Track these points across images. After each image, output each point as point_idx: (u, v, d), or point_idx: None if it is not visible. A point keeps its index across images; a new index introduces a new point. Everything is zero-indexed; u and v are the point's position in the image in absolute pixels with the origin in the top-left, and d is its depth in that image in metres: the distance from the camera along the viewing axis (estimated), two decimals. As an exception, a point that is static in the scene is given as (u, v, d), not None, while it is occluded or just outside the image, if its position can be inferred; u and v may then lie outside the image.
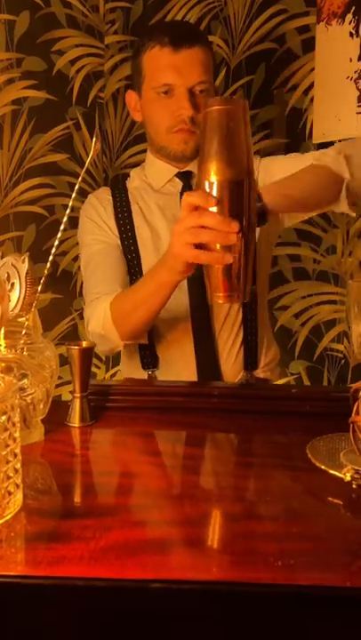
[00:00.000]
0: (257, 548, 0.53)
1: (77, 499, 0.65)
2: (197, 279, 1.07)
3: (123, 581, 0.48)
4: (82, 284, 1.69)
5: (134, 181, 1.21)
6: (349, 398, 0.68)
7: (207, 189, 0.71)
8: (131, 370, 1.22)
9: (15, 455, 0.58)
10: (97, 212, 1.18)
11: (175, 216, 1.13)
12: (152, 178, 1.19)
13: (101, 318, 1.04)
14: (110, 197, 1.18)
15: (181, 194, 1.16)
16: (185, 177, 1.17)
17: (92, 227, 1.17)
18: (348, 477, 0.64)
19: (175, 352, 1.14)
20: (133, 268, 1.15)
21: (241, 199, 0.70)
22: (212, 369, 1.15)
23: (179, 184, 1.17)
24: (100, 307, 1.05)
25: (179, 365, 1.14)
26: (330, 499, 0.64)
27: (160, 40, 1.06)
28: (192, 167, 1.16)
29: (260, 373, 1.19)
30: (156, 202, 1.17)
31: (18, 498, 0.59)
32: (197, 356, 1.13)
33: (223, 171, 0.69)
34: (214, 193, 0.70)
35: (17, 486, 0.59)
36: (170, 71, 1.05)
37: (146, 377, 1.16)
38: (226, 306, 1.15)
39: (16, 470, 0.59)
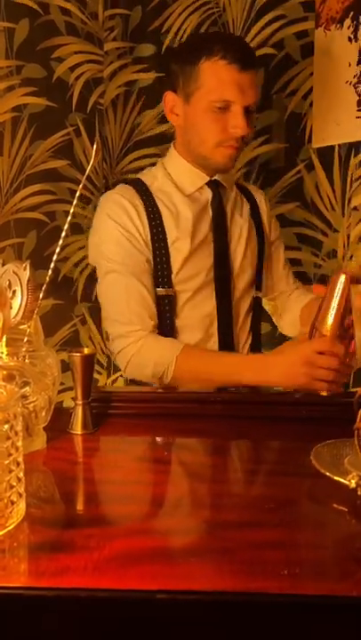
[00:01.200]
0: (263, 556, 0.52)
1: (80, 507, 0.64)
2: (224, 288, 1.16)
3: (127, 592, 0.48)
4: (83, 289, 1.71)
5: (156, 181, 1.17)
6: (353, 404, 0.68)
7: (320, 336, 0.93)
8: (143, 370, 1.21)
9: (18, 464, 0.58)
10: (129, 215, 1.11)
11: (208, 227, 1.16)
12: (183, 182, 1.17)
13: (161, 371, 1.04)
14: (140, 200, 1.13)
15: (212, 203, 1.18)
16: (214, 185, 1.19)
17: (121, 235, 1.11)
18: (352, 484, 0.63)
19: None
20: (163, 278, 1.13)
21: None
22: None
23: (208, 192, 1.18)
24: (162, 359, 1.04)
25: None
26: (335, 505, 0.63)
27: (226, 55, 1.04)
28: (219, 177, 1.18)
29: None
30: (188, 207, 1.15)
31: (21, 507, 0.59)
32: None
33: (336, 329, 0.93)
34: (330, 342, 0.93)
35: (20, 495, 0.59)
36: (234, 88, 1.04)
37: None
38: (243, 312, 1.23)
39: (19, 479, 0.58)
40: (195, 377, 1.03)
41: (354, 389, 1.49)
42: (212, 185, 1.19)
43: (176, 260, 1.13)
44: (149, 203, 1.14)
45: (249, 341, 1.23)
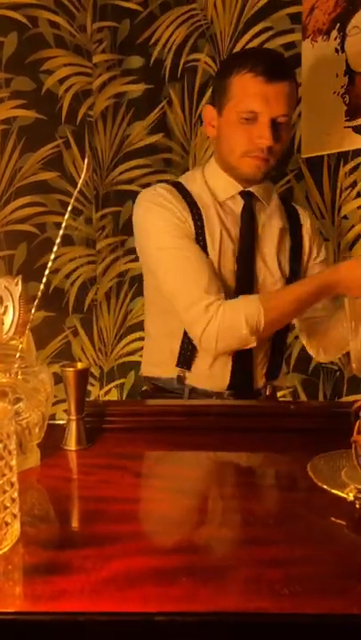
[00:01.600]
0: (262, 575, 0.52)
1: (76, 526, 0.63)
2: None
3: (126, 615, 0.47)
4: (74, 301, 1.70)
5: (195, 185, 1.19)
6: (351, 415, 0.68)
7: None
8: (159, 366, 1.25)
9: (12, 484, 0.57)
10: (175, 204, 1.14)
11: (235, 234, 1.17)
12: (217, 189, 1.19)
13: (254, 323, 1.07)
14: (178, 194, 1.16)
15: (242, 214, 1.18)
16: (248, 196, 1.19)
17: (170, 221, 1.13)
18: (350, 497, 0.63)
19: (214, 361, 1.17)
20: None
21: None
22: (246, 377, 1.20)
23: (240, 202, 1.19)
24: (250, 310, 1.07)
25: (213, 370, 1.18)
26: (333, 519, 0.63)
27: (254, 68, 1.07)
28: (254, 189, 1.18)
29: (274, 382, 1.26)
30: (217, 213, 1.17)
31: (15, 528, 0.58)
32: (234, 365, 1.18)
33: None
34: None
35: (14, 516, 0.57)
36: (259, 100, 1.07)
37: (176, 375, 1.21)
38: None
39: (13, 500, 0.57)
40: (282, 312, 1.10)
41: (351, 399, 1.49)
42: (246, 196, 1.19)
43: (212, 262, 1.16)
44: (191, 201, 1.16)
45: (267, 356, 1.22)
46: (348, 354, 1.53)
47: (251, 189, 1.18)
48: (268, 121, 1.07)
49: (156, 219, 1.14)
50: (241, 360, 1.17)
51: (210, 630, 0.47)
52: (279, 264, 1.19)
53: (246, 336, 1.08)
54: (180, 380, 1.21)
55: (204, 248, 1.13)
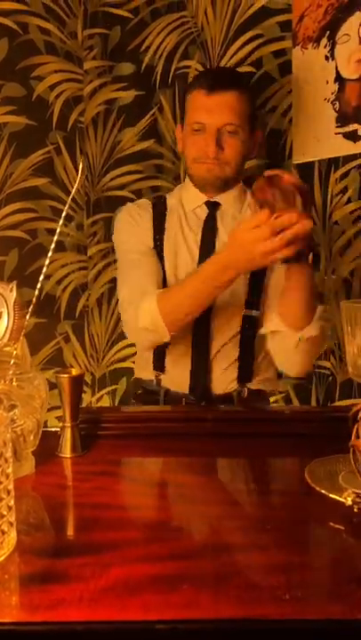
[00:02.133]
0: (263, 580, 0.51)
1: (73, 534, 0.63)
2: None
3: (126, 623, 0.46)
4: (66, 307, 1.69)
5: (173, 198, 1.30)
6: (348, 420, 0.68)
7: None
8: (144, 369, 1.34)
9: (8, 492, 0.56)
10: (138, 214, 1.28)
11: (194, 242, 1.24)
12: (185, 200, 1.28)
13: (148, 317, 1.12)
14: (151, 209, 1.28)
15: (205, 222, 1.25)
16: (212, 206, 1.25)
17: (130, 231, 1.27)
18: (348, 501, 0.63)
19: (177, 361, 1.25)
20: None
21: None
22: (204, 379, 1.23)
23: (205, 211, 1.25)
24: (146, 306, 1.13)
25: (178, 372, 1.24)
26: (331, 524, 0.63)
27: (200, 84, 1.19)
28: (219, 199, 1.25)
29: (253, 386, 1.25)
30: (181, 223, 1.26)
31: (12, 537, 0.57)
32: (192, 366, 1.23)
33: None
34: None
35: (10, 524, 0.57)
36: (203, 111, 1.17)
37: (154, 377, 1.28)
38: (226, 328, 1.22)
39: (9, 508, 0.56)
40: (180, 301, 1.10)
41: (348, 404, 1.49)
42: (211, 206, 1.25)
43: (167, 268, 1.23)
44: (160, 213, 1.27)
45: (234, 360, 1.23)
46: (341, 358, 1.53)
47: (217, 199, 1.25)
48: (213, 130, 1.15)
49: (120, 229, 1.29)
50: (197, 362, 1.22)
51: (212, 637, 0.47)
52: None
53: (146, 330, 1.13)
54: (158, 382, 1.28)
55: (160, 255, 1.23)
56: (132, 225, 1.27)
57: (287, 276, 1.07)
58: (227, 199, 1.25)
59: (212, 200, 1.25)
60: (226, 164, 1.18)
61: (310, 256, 1.03)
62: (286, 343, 1.11)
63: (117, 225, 1.31)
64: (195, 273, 1.10)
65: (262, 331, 1.17)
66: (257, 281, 1.22)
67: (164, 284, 1.23)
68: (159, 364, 1.27)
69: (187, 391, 1.23)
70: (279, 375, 1.36)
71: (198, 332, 1.22)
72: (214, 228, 1.24)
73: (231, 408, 1.13)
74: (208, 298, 1.09)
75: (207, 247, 1.22)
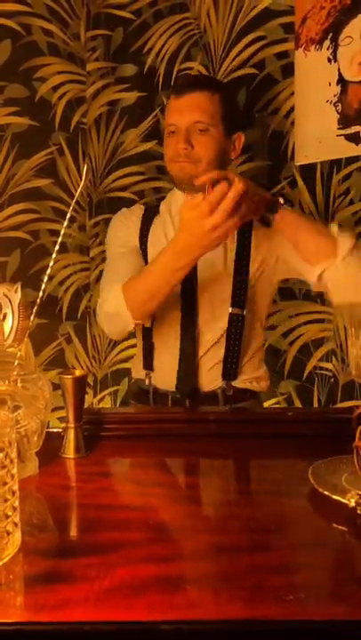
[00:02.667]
0: (266, 581, 0.52)
1: (78, 535, 0.63)
2: (188, 302, 1.23)
3: (131, 624, 0.47)
4: (68, 308, 1.70)
5: (164, 204, 1.35)
6: (352, 421, 0.68)
7: None
8: (137, 369, 1.37)
9: (13, 493, 0.56)
10: (127, 217, 1.35)
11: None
12: (173, 203, 1.32)
13: (113, 301, 1.16)
14: (142, 213, 1.34)
15: None
16: None
17: (119, 231, 1.34)
18: (352, 503, 0.63)
19: (165, 359, 1.27)
20: None
21: None
22: (190, 377, 1.25)
23: None
24: (112, 292, 1.17)
25: (167, 370, 1.26)
26: (335, 525, 0.63)
27: (173, 90, 1.27)
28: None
29: (239, 384, 1.26)
30: (169, 223, 1.29)
31: (16, 537, 0.57)
32: (179, 364, 1.25)
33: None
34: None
35: (15, 525, 0.57)
36: (173, 113, 1.22)
37: (144, 376, 1.32)
38: (212, 327, 1.24)
39: (14, 508, 0.57)
40: (144, 287, 1.12)
41: (352, 404, 1.50)
42: None
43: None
44: (147, 216, 1.32)
45: (220, 353, 1.24)
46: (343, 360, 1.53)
47: None
48: (183, 129, 1.20)
49: (110, 230, 1.36)
50: (184, 361, 1.24)
51: (215, 638, 0.47)
52: (235, 258, 1.24)
53: (112, 316, 1.18)
54: (149, 380, 1.30)
55: (145, 254, 1.28)
56: (121, 226, 1.34)
57: (283, 231, 1.11)
58: None
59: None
60: (198, 162, 1.20)
61: (280, 202, 1.06)
62: (334, 274, 1.09)
63: (109, 227, 1.37)
64: (154, 261, 1.12)
65: (312, 280, 1.14)
66: (242, 280, 1.23)
67: None
68: (148, 363, 1.31)
69: (173, 389, 1.25)
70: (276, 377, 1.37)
71: (185, 331, 1.24)
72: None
73: (227, 409, 1.13)
74: (168, 285, 1.09)
75: None
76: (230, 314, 1.23)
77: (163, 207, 1.33)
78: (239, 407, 1.22)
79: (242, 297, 1.23)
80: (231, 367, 1.24)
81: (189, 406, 1.23)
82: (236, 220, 0.96)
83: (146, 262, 1.27)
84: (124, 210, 1.38)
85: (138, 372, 1.36)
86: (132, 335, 1.73)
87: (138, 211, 1.35)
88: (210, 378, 1.25)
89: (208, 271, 1.23)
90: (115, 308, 1.16)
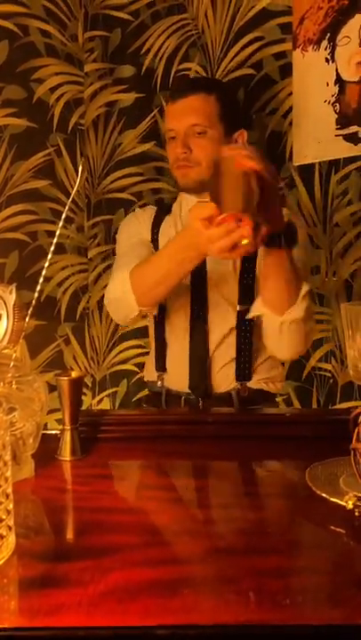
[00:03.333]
0: (263, 585, 0.51)
1: (72, 538, 0.62)
2: (198, 300, 1.23)
3: (126, 629, 0.46)
4: (66, 309, 1.69)
5: (176, 203, 1.35)
6: (349, 422, 0.67)
7: None
8: (149, 371, 1.37)
9: (7, 496, 0.56)
10: (139, 218, 1.35)
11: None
12: (183, 202, 1.32)
13: (120, 285, 1.15)
14: (153, 215, 1.34)
15: None
16: None
17: (131, 228, 1.33)
18: (350, 505, 0.63)
19: (177, 360, 1.27)
20: None
21: None
22: (203, 377, 1.24)
23: None
24: (119, 275, 1.16)
25: (177, 371, 1.26)
26: (332, 528, 0.62)
27: (169, 96, 1.28)
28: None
29: (253, 385, 1.25)
30: (179, 222, 1.30)
31: (10, 541, 0.57)
32: (191, 364, 1.24)
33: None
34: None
35: (9, 529, 0.56)
36: (171, 118, 1.24)
37: (157, 378, 1.31)
38: (221, 324, 1.23)
39: (8, 512, 0.56)
40: (151, 275, 1.10)
41: (351, 405, 1.49)
42: None
43: None
44: (159, 215, 1.32)
45: (232, 353, 1.23)
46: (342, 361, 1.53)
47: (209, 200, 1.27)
48: (181, 134, 1.21)
49: (122, 227, 1.36)
50: (196, 360, 1.24)
51: (211, 643, 0.46)
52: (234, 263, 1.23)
53: (117, 301, 1.17)
54: (161, 382, 1.30)
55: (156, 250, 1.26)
56: (133, 222, 1.34)
57: (265, 261, 1.05)
58: None
59: (205, 202, 1.26)
60: (197, 165, 1.20)
61: (282, 240, 0.96)
62: (271, 327, 1.09)
63: (121, 225, 1.37)
64: (162, 249, 1.11)
65: (248, 315, 1.15)
66: (248, 275, 1.22)
67: None
68: (160, 365, 1.30)
69: (186, 390, 1.24)
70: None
71: (195, 329, 1.23)
72: None
73: (230, 410, 1.13)
74: (175, 275, 1.07)
75: None
76: (238, 311, 1.22)
77: (175, 207, 1.33)
78: (241, 409, 1.22)
79: (250, 294, 1.21)
80: (245, 367, 1.23)
81: (202, 408, 1.22)
82: (243, 249, 0.88)
83: None
84: (137, 209, 1.40)
85: (150, 374, 1.35)
86: (130, 336, 1.73)
87: (150, 210, 1.35)
88: (223, 378, 1.24)
89: (216, 268, 1.22)
90: (121, 292, 1.15)
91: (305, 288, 1.04)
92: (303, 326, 1.07)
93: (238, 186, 0.81)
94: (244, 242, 0.85)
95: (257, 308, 1.10)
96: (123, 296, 1.15)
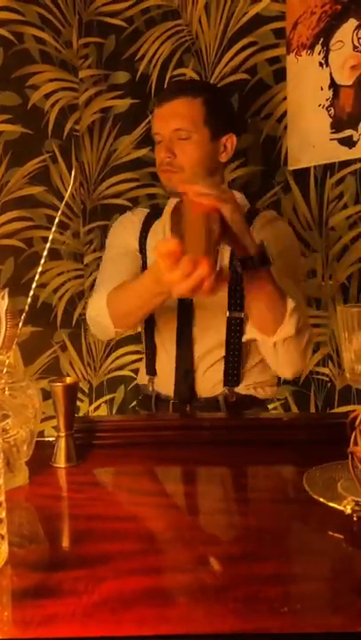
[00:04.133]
0: (260, 592, 0.50)
1: (67, 546, 0.61)
2: (184, 306, 1.23)
3: (120, 639, 0.45)
4: (62, 315, 1.69)
5: (167, 207, 1.34)
6: (347, 426, 0.67)
7: None
8: (141, 374, 1.38)
9: (0, 504, 0.55)
10: (128, 220, 1.34)
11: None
12: (169, 207, 1.31)
13: (97, 308, 1.17)
14: (143, 218, 1.33)
15: None
16: None
17: (118, 233, 1.34)
18: (348, 510, 0.62)
19: (165, 365, 1.28)
20: None
21: None
22: (189, 381, 1.24)
23: None
24: (97, 297, 1.18)
25: (165, 376, 1.28)
26: (331, 533, 0.61)
27: (156, 101, 1.27)
28: None
29: (242, 390, 1.24)
30: (168, 227, 1.27)
31: (3, 550, 0.56)
32: (176, 368, 1.25)
33: None
34: None
35: (2, 537, 0.55)
36: (157, 121, 1.23)
37: (147, 382, 1.33)
38: (209, 330, 1.22)
39: (1, 520, 0.55)
40: (125, 301, 1.12)
41: (349, 409, 1.48)
42: None
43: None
44: (148, 219, 1.31)
45: (218, 362, 1.23)
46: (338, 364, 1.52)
47: None
48: (167, 138, 1.20)
49: (111, 232, 1.36)
50: (180, 364, 1.24)
51: (208, 653, 0.45)
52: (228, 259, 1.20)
53: (93, 321, 1.20)
54: (152, 385, 1.31)
55: (144, 257, 1.27)
56: (121, 228, 1.33)
57: (246, 287, 1.02)
58: None
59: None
60: (180, 171, 1.19)
61: (254, 261, 0.92)
62: (265, 348, 1.09)
63: (111, 229, 1.37)
64: (136, 280, 1.11)
65: (243, 339, 1.17)
66: (237, 281, 1.20)
67: None
68: (150, 369, 1.31)
69: (172, 394, 1.25)
70: (280, 381, 1.35)
71: (182, 335, 1.23)
72: None
73: (222, 415, 1.12)
74: (148, 304, 1.08)
75: None
76: (228, 318, 1.21)
77: (165, 210, 1.33)
78: (238, 414, 1.21)
79: (238, 300, 1.21)
80: (233, 372, 1.22)
81: (189, 412, 1.22)
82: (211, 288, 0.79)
83: (144, 265, 1.26)
84: (128, 212, 1.38)
85: (142, 377, 1.37)
86: (127, 342, 1.73)
87: (140, 214, 1.34)
88: (209, 383, 1.23)
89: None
90: (97, 316, 1.18)
91: (290, 305, 1.02)
92: (297, 341, 1.06)
93: (198, 229, 0.79)
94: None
95: (249, 332, 1.10)
96: (99, 319, 1.17)
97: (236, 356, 1.22)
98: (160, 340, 1.28)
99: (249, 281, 0.99)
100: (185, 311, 1.23)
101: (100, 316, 1.16)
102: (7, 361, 0.71)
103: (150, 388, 1.31)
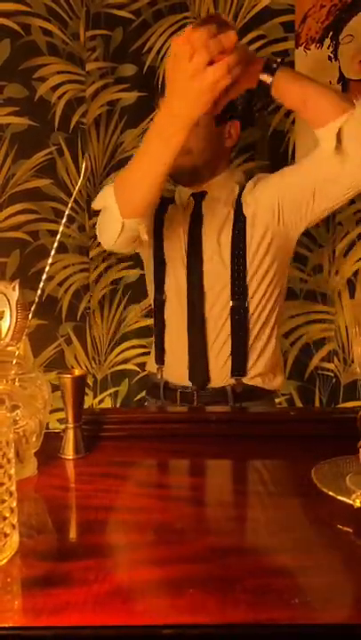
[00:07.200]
0: (271, 584, 0.50)
1: (77, 537, 0.62)
2: (194, 294, 1.23)
3: (132, 628, 0.45)
4: (67, 308, 1.69)
5: (176, 193, 1.35)
6: (358, 420, 0.67)
7: None
8: (151, 362, 1.38)
9: (11, 494, 0.55)
10: None
11: (183, 232, 1.27)
12: (179, 196, 1.33)
13: (103, 197, 1.15)
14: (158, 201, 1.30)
15: (192, 215, 1.27)
16: (199, 197, 1.28)
17: None
18: (357, 503, 0.62)
19: (176, 352, 1.28)
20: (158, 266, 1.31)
21: None
22: (202, 369, 1.24)
23: (192, 203, 1.29)
24: (106, 188, 1.16)
25: (175, 364, 1.28)
26: (340, 527, 0.61)
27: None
28: (206, 187, 1.28)
29: (248, 380, 1.24)
30: (175, 216, 1.30)
31: (14, 539, 0.56)
32: (190, 356, 1.25)
33: None
34: None
35: (13, 527, 0.56)
36: None
37: (156, 370, 1.33)
38: (218, 318, 1.23)
39: (12, 510, 0.55)
40: (132, 165, 1.07)
41: (349, 406, 1.48)
42: (199, 196, 1.28)
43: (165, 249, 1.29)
44: (162, 206, 1.31)
45: (227, 348, 1.23)
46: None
47: (204, 188, 1.27)
48: None
49: None
50: (193, 354, 1.24)
51: (219, 643, 0.46)
52: (230, 247, 1.22)
53: (100, 216, 1.19)
54: (160, 374, 1.31)
55: (160, 244, 1.29)
56: None
57: (284, 95, 1.01)
58: (212, 187, 1.28)
59: (197, 192, 1.28)
60: (187, 154, 1.18)
61: (277, 61, 0.98)
62: (329, 153, 1.03)
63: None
64: (145, 137, 1.03)
65: (329, 156, 1.05)
66: (239, 268, 1.21)
67: (159, 265, 1.30)
68: (160, 357, 1.32)
69: (184, 383, 1.25)
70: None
71: (192, 323, 1.24)
72: (200, 216, 1.27)
73: (225, 409, 1.12)
74: (152, 173, 1.02)
75: (193, 235, 1.26)
76: (232, 307, 1.22)
77: (175, 196, 1.34)
78: (243, 407, 1.21)
79: (241, 287, 1.21)
80: (240, 363, 1.22)
81: (197, 402, 1.22)
82: (228, 76, 0.81)
83: (162, 252, 1.29)
84: None
85: (151, 365, 1.37)
86: (132, 336, 1.73)
87: None
88: (221, 373, 1.23)
89: (209, 264, 1.23)
90: (104, 203, 1.15)
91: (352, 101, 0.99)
92: None
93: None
94: None
95: (331, 129, 0.99)
96: (105, 205, 1.15)
97: (242, 345, 1.22)
98: (171, 329, 1.29)
99: (287, 87, 1.00)
100: (195, 300, 1.24)
101: (107, 200, 1.13)
102: (17, 352, 0.71)
103: (159, 376, 1.31)
